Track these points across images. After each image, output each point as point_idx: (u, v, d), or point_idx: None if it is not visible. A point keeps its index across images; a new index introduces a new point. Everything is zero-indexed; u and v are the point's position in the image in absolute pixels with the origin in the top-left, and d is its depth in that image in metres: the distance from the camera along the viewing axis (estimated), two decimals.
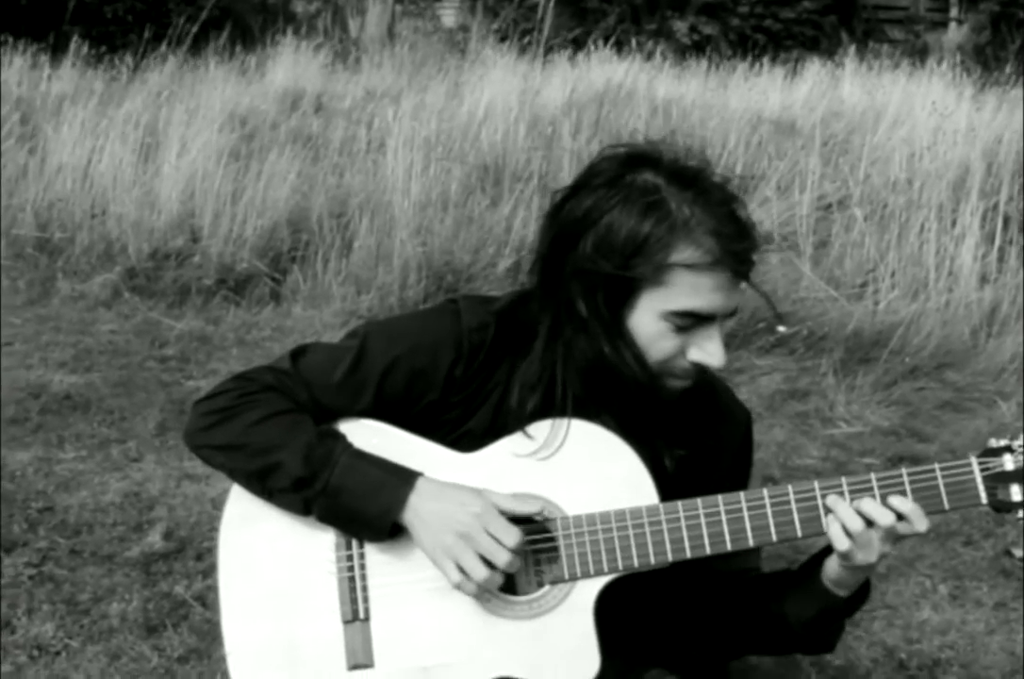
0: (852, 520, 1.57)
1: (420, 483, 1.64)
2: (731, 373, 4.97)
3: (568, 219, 1.65)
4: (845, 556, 1.59)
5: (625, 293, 1.61)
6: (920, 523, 1.57)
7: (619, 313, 1.62)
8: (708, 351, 1.63)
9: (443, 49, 12.21)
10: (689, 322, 1.61)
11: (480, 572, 1.58)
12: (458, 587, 1.61)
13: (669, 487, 1.67)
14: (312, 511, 1.67)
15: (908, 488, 1.58)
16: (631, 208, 1.59)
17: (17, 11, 11.42)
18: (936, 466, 1.59)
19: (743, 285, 1.65)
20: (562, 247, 1.65)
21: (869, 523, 1.57)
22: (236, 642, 1.71)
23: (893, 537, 1.58)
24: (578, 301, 1.63)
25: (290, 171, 6.77)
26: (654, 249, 1.58)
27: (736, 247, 1.60)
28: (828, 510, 1.60)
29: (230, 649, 1.71)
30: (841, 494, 1.60)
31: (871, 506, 1.57)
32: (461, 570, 1.59)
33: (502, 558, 1.58)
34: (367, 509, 1.64)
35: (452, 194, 6.52)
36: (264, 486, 1.70)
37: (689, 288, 1.59)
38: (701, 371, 1.66)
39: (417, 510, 1.62)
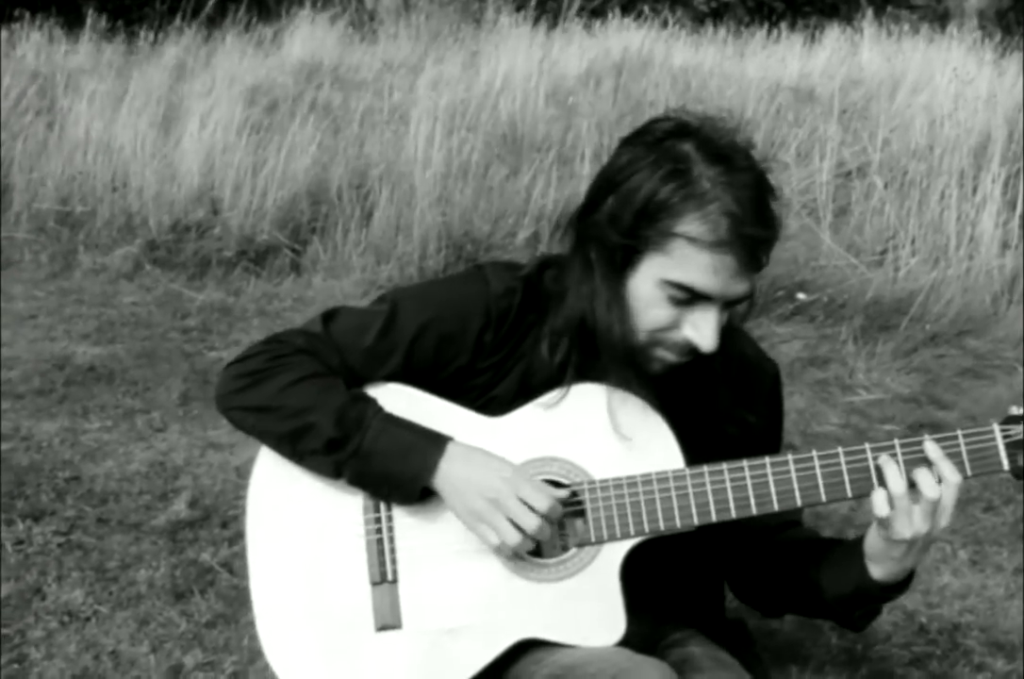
0: (897, 482, 1.55)
1: (451, 447, 1.65)
2: None
3: (604, 175, 1.66)
4: (883, 523, 1.57)
5: (631, 253, 1.61)
6: (943, 518, 1.55)
7: (623, 272, 1.62)
8: (700, 331, 1.61)
9: (459, 19, 12.14)
10: (685, 296, 1.59)
11: (512, 537, 1.60)
12: (498, 550, 1.63)
13: (699, 443, 1.68)
14: (343, 474, 1.69)
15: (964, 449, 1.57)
16: (656, 171, 1.58)
17: None
18: (959, 432, 1.58)
19: (753, 275, 1.61)
20: (593, 201, 1.66)
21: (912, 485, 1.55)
22: (265, 604, 1.73)
23: (932, 515, 1.54)
24: (592, 254, 1.65)
25: (310, 143, 6.77)
26: (664, 215, 1.56)
27: (747, 232, 1.55)
28: (878, 471, 1.58)
29: (259, 611, 1.73)
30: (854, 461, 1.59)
31: (924, 476, 1.55)
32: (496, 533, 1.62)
33: (532, 523, 1.59)
34: (398, 472, 1.65)
35: (471, 164, 6.52)
36: (295, 448, 1.71)
37: (687, 261, 1.56)
38: (693, 351, 1.64)
39: (447, 475, 1.64)
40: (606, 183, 1.65)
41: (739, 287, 1.59)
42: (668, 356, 1.66)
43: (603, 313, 1.64)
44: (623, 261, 1.62)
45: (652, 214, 1.57)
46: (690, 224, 1.55)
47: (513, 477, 1.62)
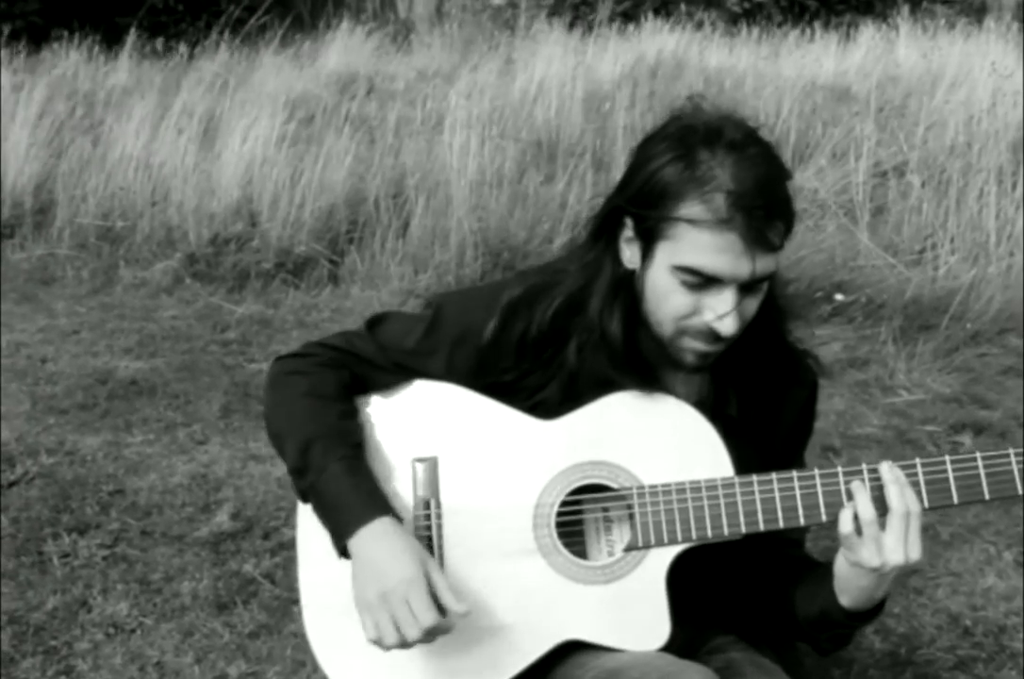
0: (865, 506, 1.58)
1: (376, 523, 1.63)
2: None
3: (628, 167, 1.67)
4: (850, 547, 1.59)
5: (646, 243, 1.62)
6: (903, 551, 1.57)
7: (644, 264, 1.64)
8: (718, 314, 1.59)
9: (492, 27, 12.18)
10: (696, 280, 1.58)
11: (391, 638, 1.57)
12: (373, 643, 1.59)
13: (744, 451, 1.68)
14: (307, 499, 1.71)
15: (951, 476, 1.59)
16: (665, 159, 1.59)
17: (71, 6, 11.56)
18: (978, 455, 1.59)
19: (770, 255, 1.57)
20: (615, 193, 1.69)
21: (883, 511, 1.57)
22: (311, 595, 1.76)
23: (903, 540, 1.56)
24: (619, 249, 1.68)
25: (347, 154, 6.81)
26: (667, 201, 1.57)
27: (745, 206, 1.53)
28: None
29: (306, 601, 1.76)
30: (914, 473, 1.59)
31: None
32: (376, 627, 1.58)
33: (412, 633, 1.56)
34: (329, 523, 1.67)
35: (507, 172, 6.53)
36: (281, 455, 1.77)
37: (692, 244, 1.56)
38: (719, 337, 1.62)
39: (360, 547, 1.62)
40: (626, 177, 1.67)
41: (749, 267, 1.56)
42: (697, 345, 1.65)
43: (606, 320, 1.68)
44: (643, 252, 1.63)
45: (658, 202, 1.58)
46: (691, 207, 1.55)
47: (413, 579, 1.58)
